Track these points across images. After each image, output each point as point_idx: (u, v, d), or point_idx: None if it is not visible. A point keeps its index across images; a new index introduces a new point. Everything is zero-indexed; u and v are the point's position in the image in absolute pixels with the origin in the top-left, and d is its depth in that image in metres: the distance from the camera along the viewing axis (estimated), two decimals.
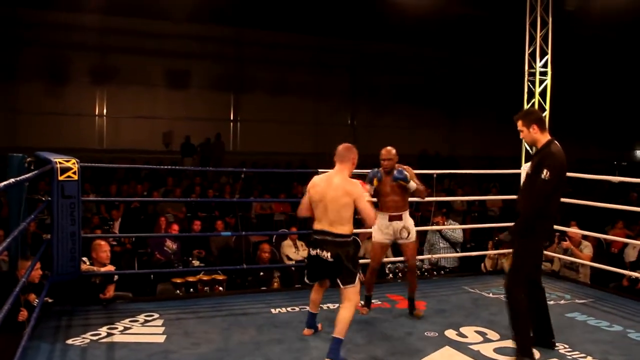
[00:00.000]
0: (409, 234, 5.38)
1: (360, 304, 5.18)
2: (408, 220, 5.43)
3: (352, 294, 4.29)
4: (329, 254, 4.23)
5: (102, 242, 5.80)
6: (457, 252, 7.92)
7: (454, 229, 7.97)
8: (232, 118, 18.76)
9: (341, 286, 4.29)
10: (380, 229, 5.38)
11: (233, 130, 18.80)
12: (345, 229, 4.25)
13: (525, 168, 6.90)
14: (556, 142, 4.25)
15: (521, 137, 4.38)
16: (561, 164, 4.17)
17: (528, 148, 7.79)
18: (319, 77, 18.89)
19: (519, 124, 4.29)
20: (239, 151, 17.95)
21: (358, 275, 4.36)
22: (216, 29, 17.33)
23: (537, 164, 4.20)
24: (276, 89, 18.66)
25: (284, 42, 18.02)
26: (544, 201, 4.15)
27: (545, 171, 4.09)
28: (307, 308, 4.90)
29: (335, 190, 4.26)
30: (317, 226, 4.35)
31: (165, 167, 7.97)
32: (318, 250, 4.30)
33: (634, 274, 7.21)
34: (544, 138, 4.25)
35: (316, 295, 4.78)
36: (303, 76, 18.68)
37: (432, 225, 7.77)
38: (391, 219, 5.33)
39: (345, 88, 19.77)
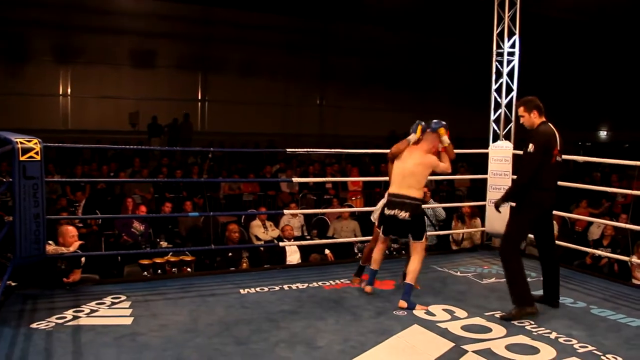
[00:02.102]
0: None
1: (362, 284, 5.53)
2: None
3: (420, 248, 5.14)
4: (407, 214, 5.03)
5: (70, 227, 5.69)
6: (436, 229, 7.92)
7: (436, 207, 7.94)
8: (200, 98, 18.54)
9: (412, 241, 5.15)
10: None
11: (201, 111, 18.59)
12: (420, 193, 5.12)
13: (494, 147, 6.98)
14: (549, 124, 4.88)
15: (521, 121, 4.94)
16: (546, 139, 4.77)
17: (496, 128, 7.86)
18: (289, 58, 18.74)
19: (521, 109, 4.90)
20: (207, 131, 17.76)
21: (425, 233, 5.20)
22: (183, 8, 17.03)
23: (528, 142, 4.78)
24: (245, 70, 18.47)
25: (253, 22, 17.80)
26: (532, 172, 4.74)
27: (530, 145, 4.74)
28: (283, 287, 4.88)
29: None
30: (394, 190, 5.14)
31: (132, 147, 7.85)
32: (396, 211, 5.08)
33: (597, 252, 7.37)
34: (539, 121, 4.88)
35: (379, 256, 5.38)
36: (272, 57, 18.51)
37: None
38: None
39: (315, 69, 19.65)
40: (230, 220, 8.55)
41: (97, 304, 4.92)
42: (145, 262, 6.59)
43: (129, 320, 4.56)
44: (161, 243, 7.93)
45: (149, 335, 4.27)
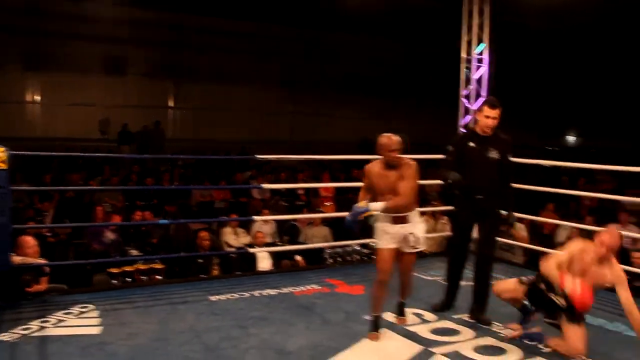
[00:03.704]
0: (416, 241, 4.45)
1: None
2: (416, 223, 4.47)
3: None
4: None
5: (27, 238, 5.55)
6: None
7: None
8: (171, 105, 18.45)
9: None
10: (382, 234, 4.45)
11: (172, 118, 18.49)
12: None
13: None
14: None
15: (493, 124, 4.76)
16: None
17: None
18: (260, 65, 18.76)
19: (498, 112, 4.74)
20: (179, 139, 17.65)
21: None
22: (154, 15, 16.95)
23: (504, 149, 4.78)
24: (217, 76, 18.43)
25: (224, 28, 17.79)
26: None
27: (511, 154, 4.83)
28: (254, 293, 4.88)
29: None
30: None
31: (102, 154, 7.78)
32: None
33: None
34: None
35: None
36: (243, 63, 18.51)
37: None
38: (395, 221, 4.38)
39: (287, 76, 19.69)
40: (201, 228, 8.51)
41: (64, 314, 4.85)
42: (114, 270, 6.53)
43: (97, 330, 4.51)
44: (131, 251, 7.86)
45: (117, 344, 4.23)
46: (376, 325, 4.44)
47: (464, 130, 5.10)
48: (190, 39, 17.87)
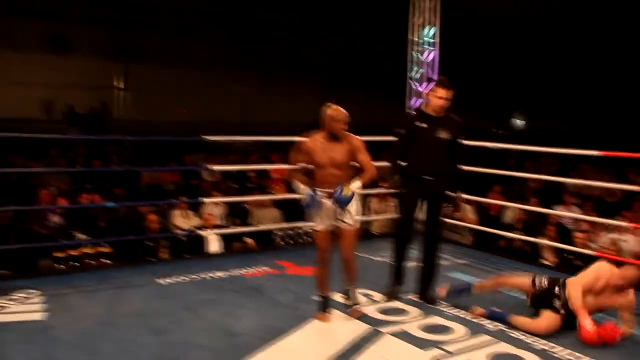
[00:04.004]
0: (350, 217, 4.37)
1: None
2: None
3: None
4: None
5: None
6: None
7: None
8: (119, 86, 18.03)
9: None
10: (317, 214, 4.36)
11: (120, 99, 18.08)
12: None
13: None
14: None
15: (445, 104, 4.74)
16: None
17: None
18: (209, 45, 18.46)
19: (450, 93, 4.71)
20: (127, 120, 17.29)
21: None
22: None
23: (458, 130, 4.82)
24: (166, 57, 18.05)
25: (171, 8, 17.42)
26: None
27: (462, 136, 4.86)
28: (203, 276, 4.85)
29: None
30: None
31: (46, 135, 7.56)
32: None
33: (509, 234, 7.68)
34: None
35: None
36: (192, 44, 18.18)
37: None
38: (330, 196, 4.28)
39: (234, 57, 19.45)
40: (150, 211, 8.39)
41: (7, 300, 4.73)
42: (60, 255, 6.39)
43: (41, 316, 4.42)
44: (78, 235, 7.69)
45: (62, 329, 4.16)
46: (324, 306, 4.48)
47: (414, 112, 5.06)
48: (136, 18, 17.44)
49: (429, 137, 4.75)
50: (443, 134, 4.76)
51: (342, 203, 4.27)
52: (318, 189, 4.30)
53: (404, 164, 4.86)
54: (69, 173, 10.42)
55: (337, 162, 4.26)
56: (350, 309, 4.53)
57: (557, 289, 4.44)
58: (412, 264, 5.11)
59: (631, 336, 4.30)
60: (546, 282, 4.55)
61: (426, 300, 4.94)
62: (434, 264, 5.02)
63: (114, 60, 17.77)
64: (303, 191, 4.29)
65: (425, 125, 4.76)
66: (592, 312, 4.30)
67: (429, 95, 4.85)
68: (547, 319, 4.34)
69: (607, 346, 4.12)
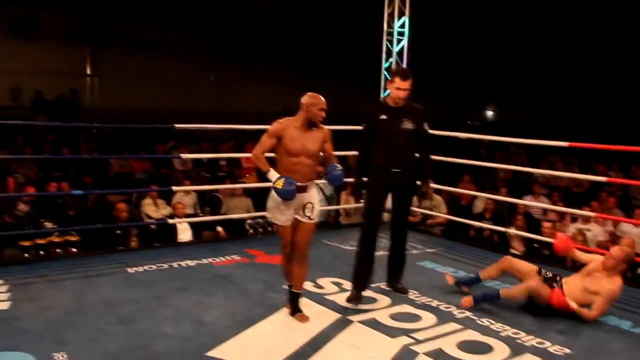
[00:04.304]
0: (313, 211, 4.23)
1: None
2: (314, 193, 4.29)
3: None
4: None
5: None
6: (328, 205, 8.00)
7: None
8: (89, 73, 17.74)
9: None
10: (280, 203, 4.12)
11: (90, 86, 17.80)
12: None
13: None
14: None
15: (405, 95, 4.62)
16: None
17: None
18: (181, 32, 18.26)
19: (410, 83, 4.60)
20: (97, 108, 17.02)
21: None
22: None
23: (419, 119, 4.69)
24: (136, 43, 17.82)
25: None
26: None
27: (426, 124, 4.75)
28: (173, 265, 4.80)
29: None
30: None
31: (12, 122, 7.41)
32: None
33: (479, 224, 7.77)
34: None
35: None
36: (164, 31, 17.96)
37: None
38: (297, 189, 4.03)
39: (209, 44, 19.29)
40: (119, 199, 8.30)
41: None
42: (26, 243, 6.29)
43: (6, 305, 4.34)
44: (46, 224, 7.59)
45: (27, 319, 4.09)
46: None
47: (375, 105, 4.86)
48: (109, 3, 17.15)
49: (393, 129, 4.64)
50: (407, 124, 4.65)
51: (337, 182, 4.28)
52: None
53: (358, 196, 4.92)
54: (36, 161, 10.25)
55: (310, 152, 4.12)
56: (299, 314, 4.28)
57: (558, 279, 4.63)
58: (381, 253, 5.11)
59: (592, 321, 4.40)
60: (550, 274, 4.68)
61: (396, 289, 4.96)
62: (404, 253, 5.03)
63: (84, 46, 17.48)
64: (279, 178, 3.99)
65: (387, 117, 4.66)
66: (582, 296, 4.46)
67: (389, 86, 4.74)
68: (535, 279, 4.56)
69: (572, 334, 4.20)
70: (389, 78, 4.73)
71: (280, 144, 4.09)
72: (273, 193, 4.06)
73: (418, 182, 4.84)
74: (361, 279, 4.69)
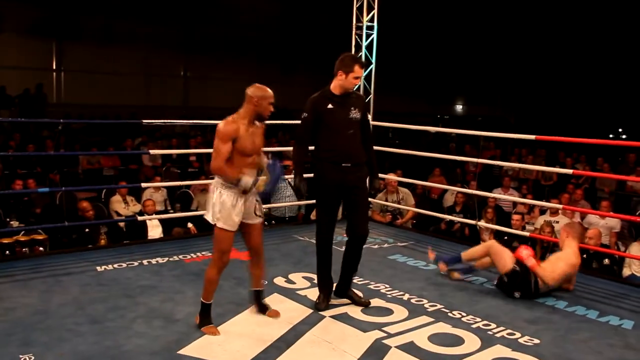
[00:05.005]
0: (261, 209, 4.08)
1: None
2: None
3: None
4: None
5: None
6: (300, 200, 7.94)
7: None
8: (55, 67, 17.40)
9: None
10: (231, 208, 3.85)
11: (56, 81, 17.46)
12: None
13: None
14: None
15: (357, 83, 4.35)
16: None
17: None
18: (150, 27, 18.01)
19: (362, 72, 4.35)
20: (64, 103, 16.70)
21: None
22: None
23: (363, 107, 4.38)
24: (104, 38, 17.55)
25: None
26: None
27: (367, 112, 4.53)
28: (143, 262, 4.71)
29: None
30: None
31: None
32: None
33: (449, 217, 7.83)
34: None
35: None
36: (133, 25, 17.70)
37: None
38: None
39: (178, 39, 19.09)
40: (87, 197, 8.18)
41: None
42: None
43: None
44: (11, 222, 7.45)
45: None
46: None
47: (317, 93, 4.36)
48: None
49: (341, 119, 4.26)
50: (354, 114, 4.29)
51: (279, 179, 3.97)
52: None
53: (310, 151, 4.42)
54: (1, 158, 10.05)
55: (259, 148, 3.92)
56: (270, 311, 4.21)
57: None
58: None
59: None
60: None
61: (357, 302, 4.48)
62: (358, 261, 4.52)
63: (50, 40, 17.11)
64: (256, 181, 3.78)
65: (333, 107, 4.26)
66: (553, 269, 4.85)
67: (341, 75, 4.24)
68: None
69: (542, 324, 4.26)
70: (342, 66, 4.24)
71: (233, 146, 3.79)
72: (222, 199, 3.81)
73: (372, 178, 4.56)
74: (326, 284, 4.46)
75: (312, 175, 4.52)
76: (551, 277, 4.78)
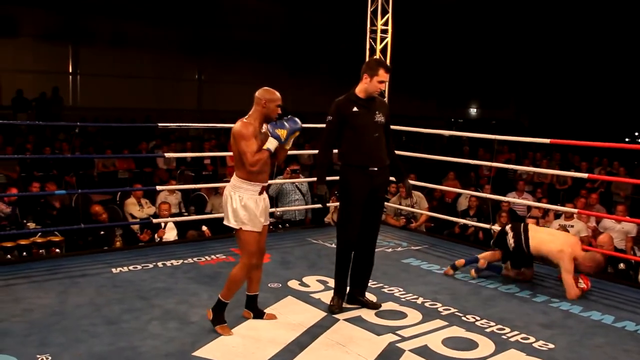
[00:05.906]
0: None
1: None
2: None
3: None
4: None
5: None
6: (307, 204, 7.98)
7: (305, 181, 7.95)
8: (70, 71, 17.54)
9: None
10: (255, 209, 3.92)
11: (72, 85, 17.60)
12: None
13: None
14: None
15: (382, 87, 4.35)
16: None
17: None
18: (163, 30, 18.10)
19: (387, 76, 4.32)
20: (80, 107, 16.84)
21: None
22: None
23: (387, 112, 4.42)
24: (118, 41, 17.65)
25: None
26: None
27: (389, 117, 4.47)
28: (158, 264, 4.75)
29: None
30: None
31: None
32: None
33: (463, 221, 7.81)
34: None
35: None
36: (146, 28, 17.80)
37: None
38: (262, 191, 3.99)
39: (191, 42, 19.17)
40: (103, 199, 8.25)
41: None
42: (9, 244, 6.22)
43: None
44: (28, 224, 7.53)
45: (10, 321, 4.05)
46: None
47: (343, 97, 4.39)
48: (90, 0, 16.96)
49: (367, 122, 4.29)
50: (379, 117, 4.33)
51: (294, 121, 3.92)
52: (255, 182, 3.89)
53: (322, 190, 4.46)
54: (18, 161, 10.16)
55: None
56: (268, 314, 4.25)
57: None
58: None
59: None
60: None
61: (367, 305, 4.51)
62: (372, 262, 4.59)
63: (65, 44, 17.25)
64: (276, 131, 3.84)
65: (359, 110, 4.29)
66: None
67: (370, 78, 4.28)
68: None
69: (557, 328, 4.24)
70: (368, 69, 4.28)
71: None
72: (244, 203, 3.86)
73: (392, 178, 4.67)
74: (343, 288, 4.49)
75: (336, 178, 4.59)
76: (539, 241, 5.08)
